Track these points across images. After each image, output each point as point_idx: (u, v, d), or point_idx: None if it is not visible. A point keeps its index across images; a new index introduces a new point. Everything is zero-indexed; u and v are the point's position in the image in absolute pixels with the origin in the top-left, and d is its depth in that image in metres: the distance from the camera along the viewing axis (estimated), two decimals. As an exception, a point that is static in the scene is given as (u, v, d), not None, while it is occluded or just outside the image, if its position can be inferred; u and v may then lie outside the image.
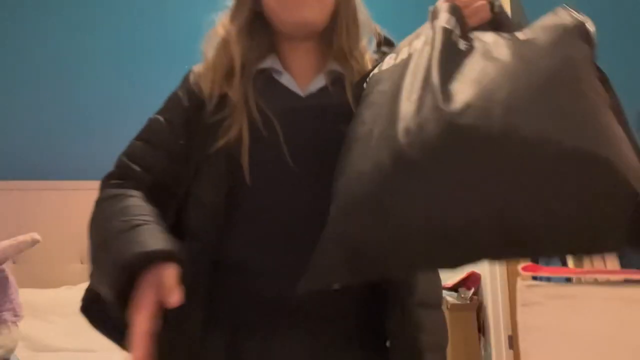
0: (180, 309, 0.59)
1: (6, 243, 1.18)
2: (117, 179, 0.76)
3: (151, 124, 0.81)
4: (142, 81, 2.65)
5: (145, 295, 0.59)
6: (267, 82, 0.78)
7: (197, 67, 0.84)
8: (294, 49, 0.82)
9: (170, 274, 0.59)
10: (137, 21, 2.74)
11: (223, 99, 0.76)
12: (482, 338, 2.30)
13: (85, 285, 2.28)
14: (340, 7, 0.81)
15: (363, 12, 0.85)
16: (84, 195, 2.42)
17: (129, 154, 0.79)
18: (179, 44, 2.74)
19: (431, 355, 0.71)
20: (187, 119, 0.78)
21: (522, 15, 2.20)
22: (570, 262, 1.88)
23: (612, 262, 1.90)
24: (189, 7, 2.77)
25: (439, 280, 0.82)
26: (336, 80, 0.79)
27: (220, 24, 0.82)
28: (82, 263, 2.38)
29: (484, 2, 0.69)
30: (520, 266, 0.59)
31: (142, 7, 2.75)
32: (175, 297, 0.58)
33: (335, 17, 0.82)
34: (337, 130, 0.68)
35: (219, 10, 0.85)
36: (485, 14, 0.69)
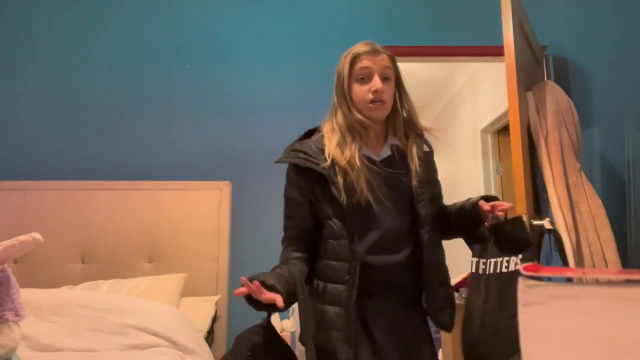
0: (346, 274, 1.29)
1: (7, 243, 1.17)
2: (288, 241, 1.42)
3: (288, 214, 1.43)
4: (142, 81, 2.65)
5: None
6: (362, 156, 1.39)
7: (290, 166, 1.41)
8: (371, 130, 1.41)
9: (271, 294, 1.16)
10: (138, 20, 2.74)
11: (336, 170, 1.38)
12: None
13: (85, 284, 2.29)
14: (396, 104, 1.42)
15: (411, 104, 1.44)
16: (84, 195, 2.44)
17: (286, 226, 1.43)
18: (179, 44, 2.74)
19: (442, 312, 1.39)
20: (311, 199, 1.38)
21: (522, 11, 2.20)
22: (571, 262, 1.88)
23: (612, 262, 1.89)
24: (189, 7, 2.77)
25: (446, 270, 1.44)
26: (395, 149, 1.42)
27: (329, 123, 1.41)
28: (82, 263, 2.38)
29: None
30: (521, 266, 0.59)
31: (143, 7, 2.75)
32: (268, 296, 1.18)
33: (393, 110, 1.42)
34: (400, 181, 1.38)
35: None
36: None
